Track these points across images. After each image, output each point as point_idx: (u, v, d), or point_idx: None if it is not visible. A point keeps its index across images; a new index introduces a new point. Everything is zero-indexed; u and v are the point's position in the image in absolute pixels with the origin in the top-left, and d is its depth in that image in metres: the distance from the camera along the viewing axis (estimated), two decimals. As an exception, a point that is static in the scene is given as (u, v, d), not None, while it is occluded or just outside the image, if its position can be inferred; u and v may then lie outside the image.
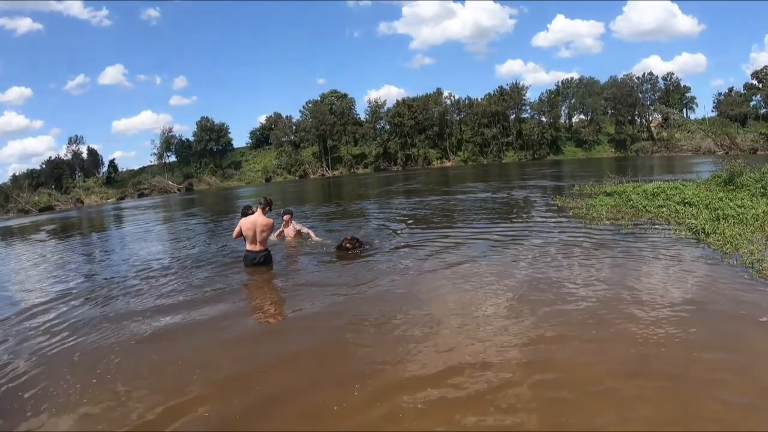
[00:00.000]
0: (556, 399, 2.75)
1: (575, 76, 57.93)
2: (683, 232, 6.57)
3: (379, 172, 51.43)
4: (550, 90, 55.91)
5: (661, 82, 55.18)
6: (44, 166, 53.92)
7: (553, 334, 3.60)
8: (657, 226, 7.22)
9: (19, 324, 4.90)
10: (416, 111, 53.50)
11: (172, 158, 59.05)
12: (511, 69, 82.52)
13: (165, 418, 2.83)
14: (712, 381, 2.85)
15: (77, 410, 3.02)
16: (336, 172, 54.45)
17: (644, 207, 8.63)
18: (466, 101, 56.48)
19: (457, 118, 57.02)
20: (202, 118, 58.85)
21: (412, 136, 54.43)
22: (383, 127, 56.67)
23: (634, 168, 22.33)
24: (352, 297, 4.91)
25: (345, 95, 58.52)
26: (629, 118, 54.21)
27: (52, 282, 7.02)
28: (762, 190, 8.49)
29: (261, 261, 6.16)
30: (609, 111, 54.74)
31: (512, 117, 55.52)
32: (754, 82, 51.84)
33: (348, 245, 6.82)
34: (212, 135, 57.70)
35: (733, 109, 50.44)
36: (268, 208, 6.15)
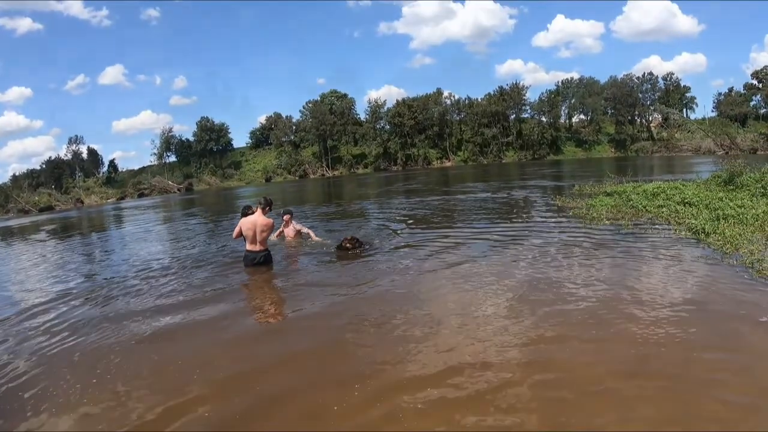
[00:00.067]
0: (556, 399, 2.75)
1: (575, 76, 57.99)
2: (683, 232, 6.57)
3: (379, 172, 51.43)
4: (550, 90, 55.96)
5: (661, 82, 55.21)
6: (44, 166, 53.95)
7: (553, 334, 3.60)
8: (657, 226, 7.22)
9: (19, 324, 4.90)
10: (416, 111, 53.50)
11: (172, 158, 59.07)
12: (511, 69, 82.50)
13: (165, 418, 2.83)
14: (712, 381, 2.85)
15: (77, 410, 3.02)
16: (336, 172, 54.45)
17: (644, 207, 8.63)
18: (466, 101, 56.49)
19: (457, 118, 57.02)
20: (202, 118, 58.91)
21: (412, 136, 54.44)
22: (383, 127, 56.67)
23: (634, 168, 22.33)
24: (352, 297, 4.91)
25: (345, 95, 58.55)
26: (629, 118, 54.22)
27: (52, 282, 7.02)
28: (762, 190, 8.49)
29: (261, 261, 6.16)
30: (609, 111, 54.74)
31: (512, 117, 55.52)
32: (754, 82, 51.85)
33: (348, 245, 6.82)
34: (212, 135, 57.72)
35: (733, 109, 50.44)
36: (268, 208, 6.15)
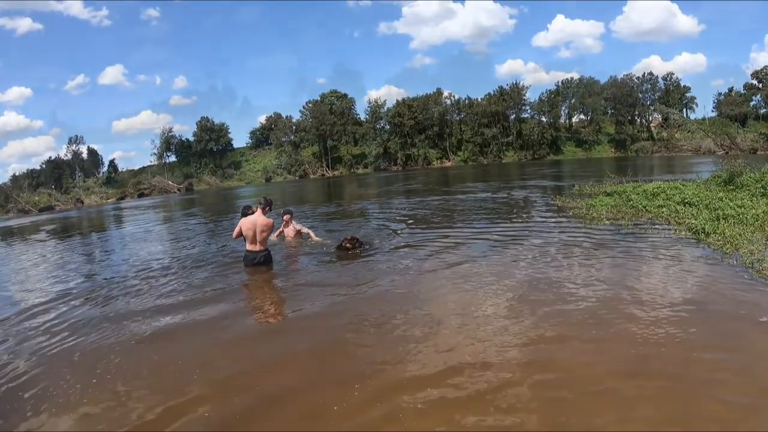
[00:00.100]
0: (556, 399, 2.75)
1: (575, 76, 57.80)
2: (683, 232, 6.57)
3: (379, 172, 51.44)
4: (550, 90, 55.85)
5: (661, 82, 55.16)
6: (44, 166, 53.91)
7: (553, 334, 3.60)
8: (657, 226, 7.22)
9: (19, 324, 4.90)
10: (416, 111, 53.46)
11: (172, 158, 59.03)
12: (511, 69, 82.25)
13: (165, 418, 2.83)
14: (712, 381, 2.85)
15: (77, 410, 3.02)
16: (336, 172, 54.44)
17: (644, 207, 8.63)
18: (466, 101, 56.44)
19: (457, 118, 56.99)
20: (202, 118, 58.84)
21: (412, 136, 54.42)
22: (383, 127, 56.64)
23: (634, 168, 22.33)
24: (352, 297, 4.91)
25: (345, 95, 58.49)
26: (629, 118, 54.19)
27: (52, 282, 7.02)
28: (762, 190, 8.49)
29: (261, 261, 6.16)
30: (609, 111, 54.70)
31: (512, 117, 55.47)
32: (754, 82, 51.80)
33: (348, 245, 6.82)
34: (212, 135, 57.68)
35: (733, 109, 50.42)
36: (268, 208, 6.15)
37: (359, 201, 17.47)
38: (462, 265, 5.75)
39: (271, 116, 61.00)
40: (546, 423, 2.55)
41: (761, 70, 51.21)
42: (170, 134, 58.34)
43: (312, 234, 8.00)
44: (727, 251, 5.38)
